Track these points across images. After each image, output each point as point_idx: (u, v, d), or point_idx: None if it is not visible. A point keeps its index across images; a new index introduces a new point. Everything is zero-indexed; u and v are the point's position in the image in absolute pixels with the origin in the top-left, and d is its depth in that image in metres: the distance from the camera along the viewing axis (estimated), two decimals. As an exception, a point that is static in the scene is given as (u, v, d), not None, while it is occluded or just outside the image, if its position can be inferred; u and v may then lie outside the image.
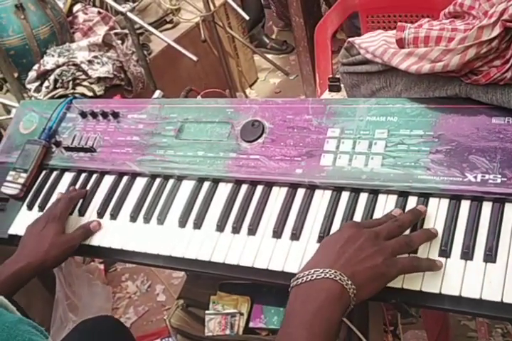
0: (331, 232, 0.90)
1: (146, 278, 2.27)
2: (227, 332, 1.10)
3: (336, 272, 0.72)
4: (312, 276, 0.72)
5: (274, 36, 3.73)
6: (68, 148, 1.20)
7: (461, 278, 0.79)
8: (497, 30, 0.84)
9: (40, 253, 1.03)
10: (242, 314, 1.11)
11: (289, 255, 0.91)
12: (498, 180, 0.83)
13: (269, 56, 3.38)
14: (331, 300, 0.70)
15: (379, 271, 0.75)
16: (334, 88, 1.41)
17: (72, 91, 2.08)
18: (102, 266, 2.23)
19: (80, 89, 2.09)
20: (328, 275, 0.71)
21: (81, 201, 1.14)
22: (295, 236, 0.92)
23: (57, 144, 1.21)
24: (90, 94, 2.08)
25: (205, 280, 1.20)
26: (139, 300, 2.20)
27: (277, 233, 0.94)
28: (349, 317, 0.98)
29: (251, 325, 1.13)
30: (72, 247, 1.05)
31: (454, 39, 0.88)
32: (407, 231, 0.84)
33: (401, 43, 0.94)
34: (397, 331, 1.16)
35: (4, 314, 0.65)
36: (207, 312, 1.12)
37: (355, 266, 0.74)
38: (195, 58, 2.21)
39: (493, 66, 0.86)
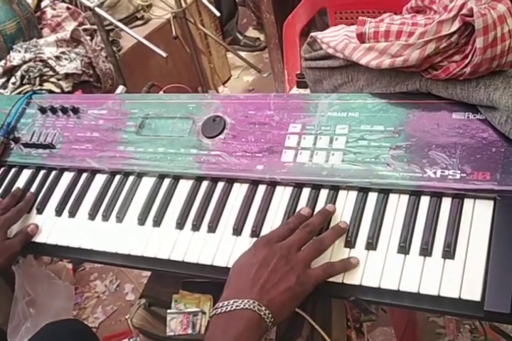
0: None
1: (115, 278, 2.24)
2: (189, 331, 1.08)
3: (254, 302, 0.75)
4: (232, 306, 0.75)
5: (247, 34, 3.71)
6: (27, 145, 1.17)
7: (419, 274, 0.78)
8: (456, 25, 0.83)
9: None
10: (204, 313, 1.09)
11: (248, 252, 0.89)
12: (458, 176, 0.82)
13: (243, 53, 3.36)
14: (250, 329, 0.75)
15: (294, 292, 0.78)
16: (302, 84, 1.39)
17: (39, 87, 2.04)
18: (70, 266, 2.19)
19: (47, 86, 2.05)
20: (246, 305, 0.75)
21: (39, 199, 1.11)
22: (255, 233, 0.91)
23: (16, 140, 1.18)
24: (58, 90, 2.05)
25: (168, 278, 1.18)
26: (107, 300, 2.17)
27: (237, 230, 0.93)
28: (312, 315, 0.97)
29: (214, 323, 1.10)
30: (13, 254, 1.03)
31: (414, 33, 0.87)
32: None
33: (362, 38, 0.93)
34: (362, 328, 1.15)
35: None
36: (169, 311, 1.10)
37: (271, 292, 0.77)
38: (164, 54, 2.19)
39: (452, 61, 0.86)
